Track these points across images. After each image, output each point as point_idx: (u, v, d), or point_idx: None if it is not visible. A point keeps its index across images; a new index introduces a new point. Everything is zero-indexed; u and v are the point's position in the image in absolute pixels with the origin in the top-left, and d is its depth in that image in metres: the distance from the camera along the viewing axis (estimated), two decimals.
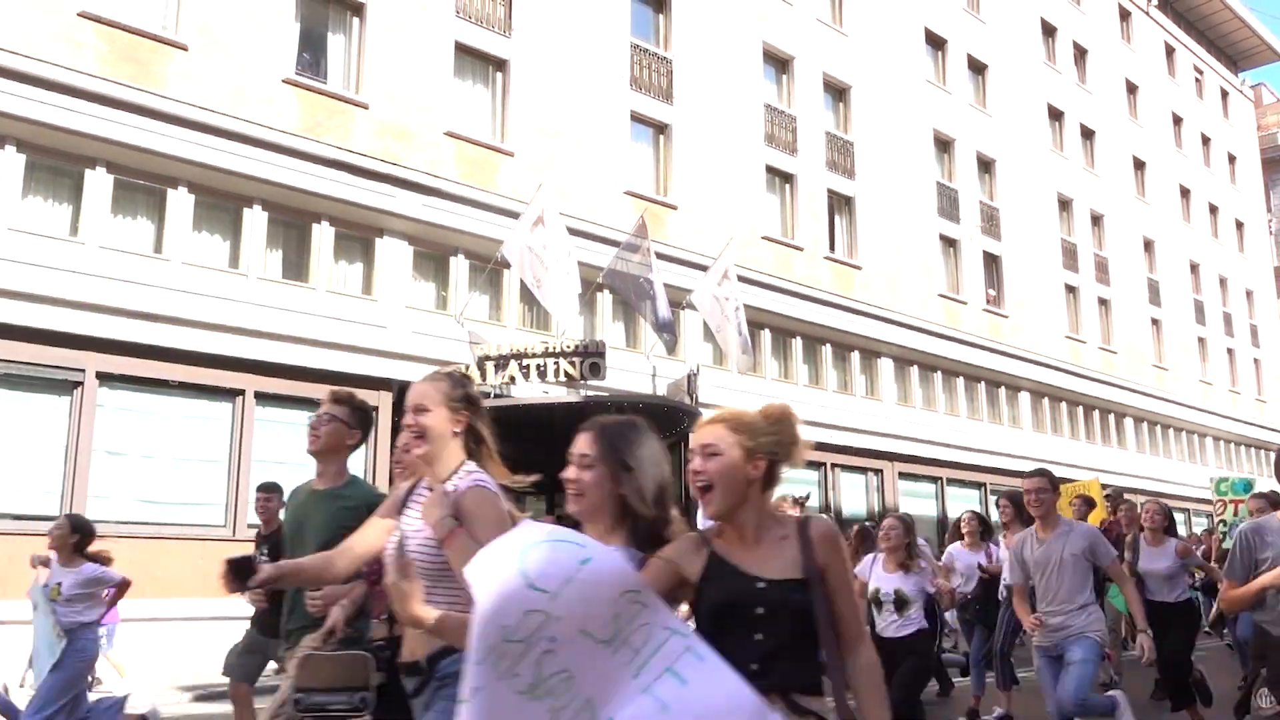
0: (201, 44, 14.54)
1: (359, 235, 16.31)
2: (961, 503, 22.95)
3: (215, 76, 14.56)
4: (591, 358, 16.22)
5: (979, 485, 25.64)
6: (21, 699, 7.70)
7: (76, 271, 13.16)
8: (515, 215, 16.45)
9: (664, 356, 19.13)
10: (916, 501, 23.48)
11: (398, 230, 16.43)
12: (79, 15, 13.46)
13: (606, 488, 2.48)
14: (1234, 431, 37.33)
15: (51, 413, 13.07)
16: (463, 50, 17.73)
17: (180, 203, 14.45)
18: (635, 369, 18.77)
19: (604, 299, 18.90)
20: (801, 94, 23.67)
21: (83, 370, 13.21)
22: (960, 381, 26.39)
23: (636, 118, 20.19)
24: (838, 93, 24.92)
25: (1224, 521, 15.18)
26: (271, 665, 6.27)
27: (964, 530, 9.57)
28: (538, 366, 16.13)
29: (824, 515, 8.26)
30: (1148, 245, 35.09)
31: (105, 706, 6.79)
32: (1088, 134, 33.15)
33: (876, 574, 6.70)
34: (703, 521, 2.67)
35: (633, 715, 1.94)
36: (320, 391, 17.47)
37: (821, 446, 22.14)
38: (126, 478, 13.36)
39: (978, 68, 29.21)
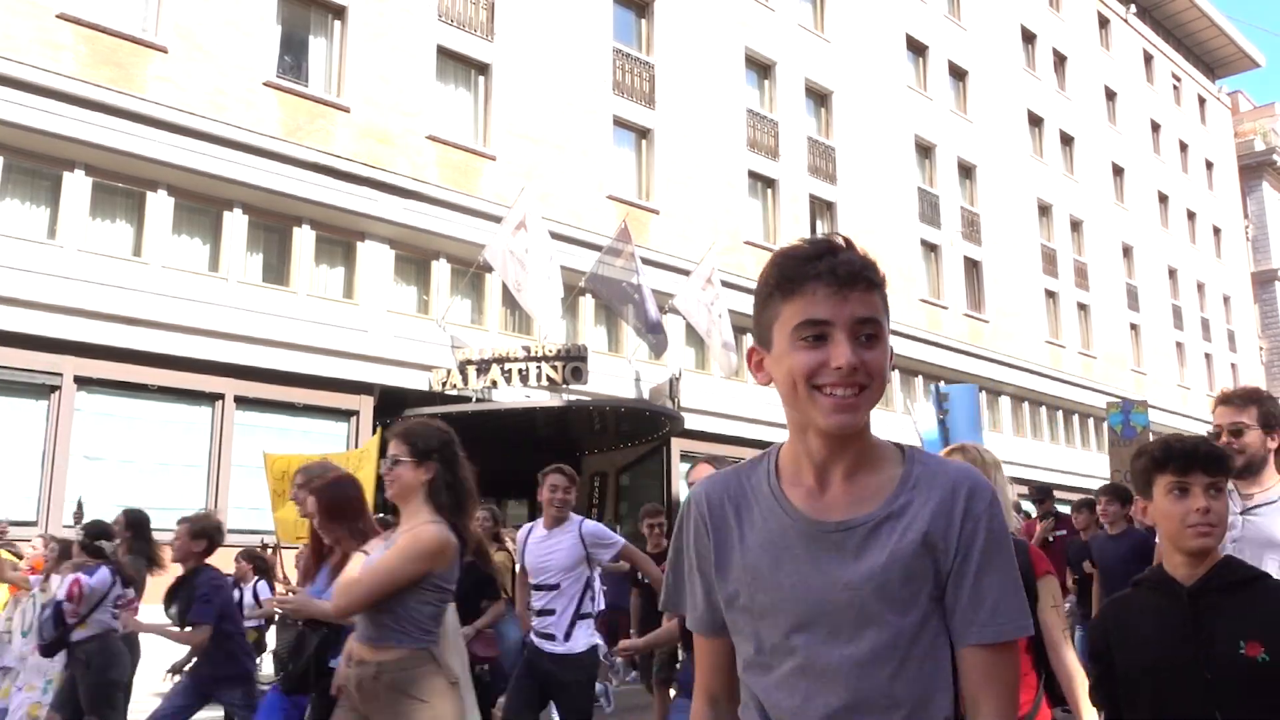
0: (182, 46, 14.47)
1: (340, 239, 16.25)
2: None
3: (195, 79, 14.49)
4: (574, 362, 16.20)
5: None
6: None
7: (54, 275, 13.06)
8: (497, 219, 16.43)
9: (646, 361, 19.14)
10: None
11: (379, 234, 16.38)
12: (58, 17, 13.37)
13: None
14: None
15: (29, 417, 12.97)
16: (445, 54, 17.70)
17: (160, 206, 14.36)
18: (617, 373, 18.78)
19: (586, 303, 18.89)
20: (783, 99, 23.75)
21: (60, 374, 13.11)
22: (941, 386, 26.47)
23: (619, 122, 20.21)
24: (819, 98, 25.01)
25: None
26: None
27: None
28: (520, 371, 16.10)
29: None
30: (1126, 251, 35.36)
31: None
32: (1067, 140, 33.39)
33: None
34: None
35: None
36: (301, 395, 17.34)
37: None
38: (105, 482, 13.25)
39: (958, 74, 29.38)
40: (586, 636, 5.24)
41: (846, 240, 1.50)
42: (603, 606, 8.57)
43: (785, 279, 1.45)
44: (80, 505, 9.68)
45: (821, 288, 1.42)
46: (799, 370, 1.42)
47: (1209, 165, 42.12)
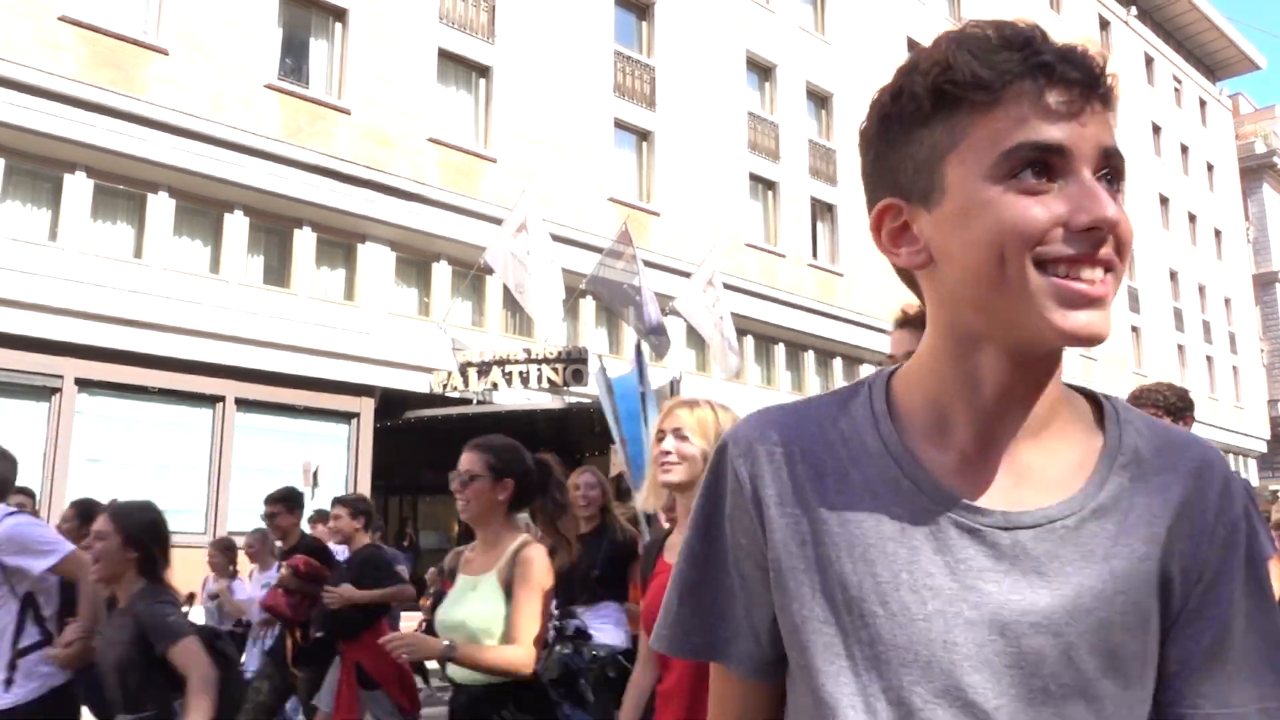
0: (183, 48, 14.47)
1: (341, 241, 16.25)
2: None
3: (196, 81, 14.49)
4: (574, 364, 16.20)
5: None
6: None
7: (55, 277, 13.06)
8: (498, 221, 16.43)
9: (647, 363, 19.11)
10: None
11: (380, 236, 16.38)
12: (59, 19, 13.37)
13: None
14: (1213, 438, 37.61)
15: (30, 419, 12.96)
16: (446, 56, 17.71)
17: (161, 208, 14.37)
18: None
19: (587, 305, 18.89)
20: (784, 101, 23.75)
21: (61, 376, 13.11)
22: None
23: (620, 124, 20.22)
24: (820, 100, 25.02)
25: None
26: None
27: None
28: (520, 373, 16.10)
29: None
30: None
31: None
32: None
33: None
34: None
35: None
36: (301, 398, 17.34)
37: None
38: (106, 484, 13.22)
39: None
40: (37, 681, 3.68)
41: (1043, 33, 0.85)
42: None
43: (983, 71, 0.81)
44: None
45: (1053, 92, 0.82)
46: (1017, 228, 0.78)
47: (1210, 167, 42.10)
